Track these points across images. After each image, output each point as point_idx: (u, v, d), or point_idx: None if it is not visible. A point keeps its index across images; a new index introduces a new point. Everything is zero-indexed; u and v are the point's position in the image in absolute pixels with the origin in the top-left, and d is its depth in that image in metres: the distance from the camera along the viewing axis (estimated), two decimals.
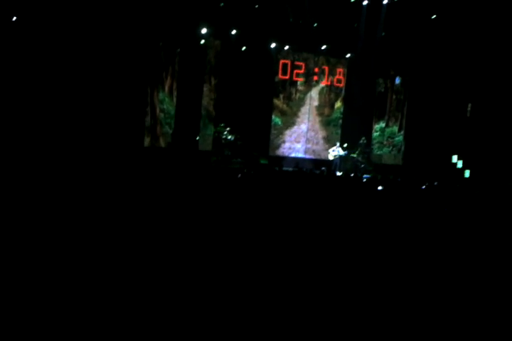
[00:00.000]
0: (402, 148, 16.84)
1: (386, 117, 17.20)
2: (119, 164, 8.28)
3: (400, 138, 16.87)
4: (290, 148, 16.01)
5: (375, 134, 17.17)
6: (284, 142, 16.04)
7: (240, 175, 8.38)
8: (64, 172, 6.54)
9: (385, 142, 16.94)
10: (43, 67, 9.96)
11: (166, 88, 13.63)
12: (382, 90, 17.40)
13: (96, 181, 6.02)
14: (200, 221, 4.74)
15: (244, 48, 15.93)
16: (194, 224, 4.61)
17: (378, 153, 16.87)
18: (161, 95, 13.36)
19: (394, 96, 17.19)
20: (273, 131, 16.02)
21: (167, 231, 4.25)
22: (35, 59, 9.94)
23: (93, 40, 10.77)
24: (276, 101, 16.25)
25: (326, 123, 16.62)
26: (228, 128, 15.04)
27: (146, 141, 12.58)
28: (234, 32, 15.31)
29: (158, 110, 13.07)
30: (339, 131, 16.69)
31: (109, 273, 3.16)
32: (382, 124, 17.14)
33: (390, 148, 16.92)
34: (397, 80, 17.27)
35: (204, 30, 14.39)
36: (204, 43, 14.77)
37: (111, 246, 3.68)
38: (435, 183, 9.77)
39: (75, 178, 6.07)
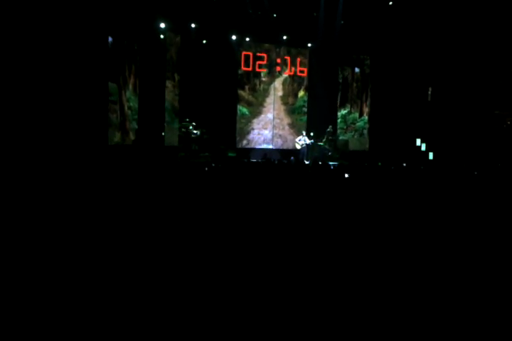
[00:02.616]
0: (364, 132, 17.22)
1: (348, 104, 17.63)
2: (81, 162, 8.08)
3: (360, 123, 17.41)
4: (259, 134, 16.67)
5: (338, 120, 17.59)
6: (253, 129, 16.67)
7: (206, 169, 8.30)
8: (25, 170, 6.34)
9: (346, 127, 17.52)
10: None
11: (130, 86, 13.53)
12: (344, 78, 17.66)
13: (54, 180, 5.86)
14: (166, 217, 4.67)
15: (204, 42, 15.82)
16: (161, 220, 4.53)
17: (341, 138, 17.34)
18: (128, 93, 13.41)
19: (354, 84, 17.47)
20: (242, 120, 16.51)
21: (135, 229, 4.17)
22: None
23: (47, 38, 10.44)
24: (242, 93, 16.55)
25: (291, 111, 17.26)
26: (194, 123, 14.94)
27: (117, 137, 12.89)
28: (193, 26, 15.17)
29: (126, 107, 13.24)
30: (303, 118, 17.29)
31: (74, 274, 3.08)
32: (344, 111, 17.64)
33: (353, 133, 17.50)
34: (357, 69, 17.55)
35: (162, 25, 14.20)
36: (163, 38, 14.58)
37: (70, 247, 3.59)
38: (404, 165, 9.95)
39: (35, 176, 5.89)
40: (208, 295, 2.84)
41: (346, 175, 7.92)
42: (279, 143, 17.11)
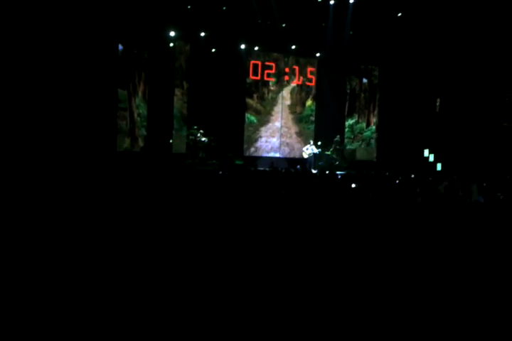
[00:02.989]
0: (371, 141, 17.20)
1: (356, 114, 17.69)
2: (90, 168, 8.13)
3: (368, 133, 17.42)
4: (266, 142, 16.73)
5: (346, 130, 17.65)
6: (260, 137, 16.73)
7: (214, 176, 8.32)
8: (35, 175, 6.39)
9: (354, 137, 17.60)
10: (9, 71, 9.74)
11: (140, 93, 13.67)
12: (352, 88, 17.71)
13: (63, 186, 5.90)
14: (174, 224, 4.68)
15: (214, 50, 15.92)
16: (168, 227, 4.54)
17: (348, 147, 17.42)
18: (137, 100, 13.61)
19: (362, 95, 17.51)
20: (249, 128, 16.59)
21: (142, 236, 4.18)
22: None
23: (59, 46, 10.58)
24: (250, 101, 16.67)
25: (298, 120, 17.38)
26: (202, 131, 14.99)
27: (127, 143, 13.11)
28: (203, 34, 15.29)
29: (135, 114, 13.42)
30: (310, 127, 17.39)
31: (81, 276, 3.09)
32: (351, 121, 17.71)
33: (360, 143, 17.54)
34: (364, 79, 17.60)
35: (172, 34, 14.32)
36: (173, 47, 14.70)
37: (81, 251, 3.60)
38: (412, 176, 9.91)
39: (44, 181, 5.94)
40: (215, 296, 2.84)
41: (353, 185, 7.89)
42: (286, 152, 17.14)
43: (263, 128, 16.78)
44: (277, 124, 16.97)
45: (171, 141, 14.41)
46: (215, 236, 4.20)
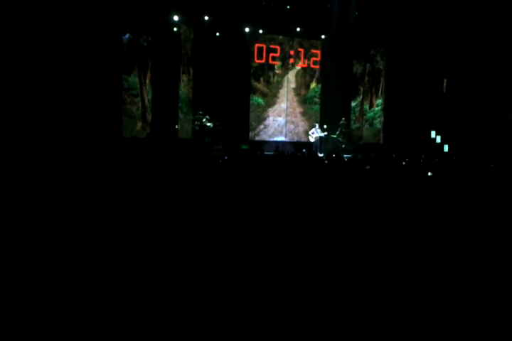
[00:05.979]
0: (374, 122, 17.11)
1: (360, 96, 17.72)
2: (94, 155, 8.15)
3: (370, 114, 17.35)
4: (274, 120, 17.39)
5: (352, 113, 17.87)
6: (268, 116, 17.29)
7: (220, 161, 8.33)
8: (39, 165, 6.41)
9: (356, 118, 17.90)
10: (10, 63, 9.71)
11: (147, 80, 13.66)
12: (357, 70, 17.59)
13: (68, 172, 5.91)
14: (182, 209, 4.68)
15: (218, 34, 15.77)
16: (176, 213, 4.55)
17: (354, 127, 17.78)
18: (147, 86, 13.75)
19: (367, 78, 17.39)
20: (258, 109, 17.15)
21: (150, 221, 4.20)
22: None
23: (64, 34, 10.51)
24: (257, 84, 17.02)
25: (303, 101, 17.85)
26: (207, 116, 14.96)
27: (139, 126, 13.50)
28: (206, 18, 15.12)
29: (146, 100, 13.67)
30: (314, 107, 17.88)
31: (91, 269, 3.12)
32: (353, 104, 17.97)
33: (363, 123, 17.68)
34: (370, 61, 17.41)
35: (176, 18, 14.17)
36: (178, 32, 14.56)
37: (90, 240, 3.63)
38: (422, 157, 9.86)
39: (50, 170, 5.96)
40: (216, 290, 2.85)
41: (367, 167, 7.83)
42: (292, 136, 17.37)
43: (270, 109, 17.33)
44: (283, 105, 17.52)
45: (176, 127, 14.40)
46: (219, 228, 4.19)
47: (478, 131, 13.89)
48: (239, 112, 16.29)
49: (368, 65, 17.39)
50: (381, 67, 17.11)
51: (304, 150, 13.59)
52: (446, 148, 14.67)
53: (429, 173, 7.01)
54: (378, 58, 17.22)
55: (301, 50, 17.21)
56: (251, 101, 16.89)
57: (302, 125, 17.66)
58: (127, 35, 12.78)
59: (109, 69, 11.87)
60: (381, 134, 17.15)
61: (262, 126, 17.23)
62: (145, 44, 13.49)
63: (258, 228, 4.14)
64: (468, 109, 14.37)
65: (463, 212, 4.59)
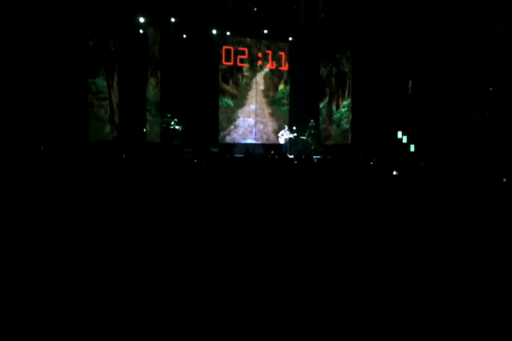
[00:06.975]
0: (341, 123, 17.35)
1: (327, 98, 18.01)
2: (59, 159, 7.96)
3: (337, 115, 17.71)
4: (244, 121, 17.53)
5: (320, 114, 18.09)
6: (238, 117, 17.45)
7: (190, 164, 8.24)
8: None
9: (322, 120, 18.17)
10: None
11: (115, 83, 13.49)
12: (324, 72, 17.83)
13: (31, 176, 5.75)
14: (150, 214, 4.62)
15: (185, 36, 15.67)
16: (144, 218, 4.48)
17: (322, 127, 18.02)
18: (115, 90, 13.66)
19: (333, 79, 17.64)
20: (228, 111, 17.24)
21: (119, 225, 4.13)
22: None
23: (30, 37, 10.26)
24: (226, 87, 17.08)
25: (272, 102, 18.05)
26: (176, 119, 14.83)
27: (107, 128, 13.42)
28: (173, 20, 15.02)
29: (114, 103, 13.57)
30: (282, 108, 18.10)
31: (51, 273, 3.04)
32: (321, 105, 18.24)
33: (331, 124, 18.00)
34: (337, 63, 17.68)
35: (142, 20, 14.01)
36: (144, 34, 14.40)
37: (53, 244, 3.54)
38: (390, 156, 10.01)
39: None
40: (202, 293, 2.82)
41: (395, 173, 7.76)
42: (262, 136, 17.63)
43: (240, 110, 17.46)
44: (252, 107, 17.72)
45: (145, 130, 14.22)
46: (196, 227, 4.16)
47: (443, 131, 14.23)
48: (208, 114, 16.25)
49: (336, 62, 17.63)
50: (346, 69, 17.40)
51: (272, 151, 13.66)
52: (412, 148, 14.99)
53: (395, 172, 7.12)
54: (344, 61, 17.49)
55: (269, 51, 17.31)
56: (220, 103, 16.90)
57: (271, 125, 17.91)
58: (93, 41, 12.59)
59: (74, 72, 11.66)
60: (349, 135, 17.39)
61: (232, 127, 17.32)
62: (112, 49, 13.32)
63: (229, 230, 4.11)
64: (433, 109, 14.72)
65: (427, 209, 4.67)
